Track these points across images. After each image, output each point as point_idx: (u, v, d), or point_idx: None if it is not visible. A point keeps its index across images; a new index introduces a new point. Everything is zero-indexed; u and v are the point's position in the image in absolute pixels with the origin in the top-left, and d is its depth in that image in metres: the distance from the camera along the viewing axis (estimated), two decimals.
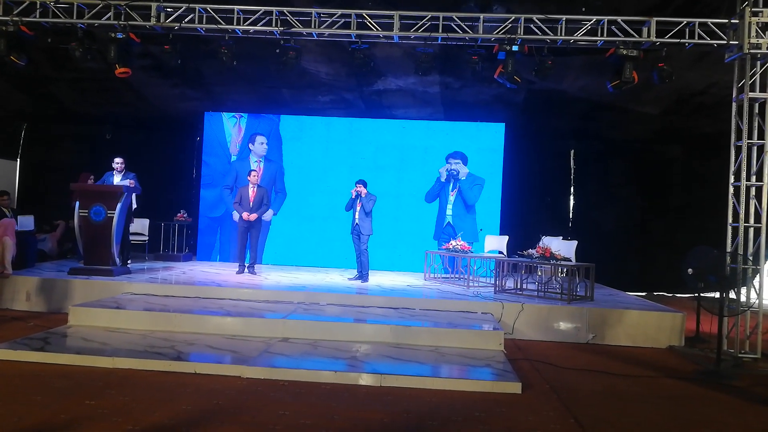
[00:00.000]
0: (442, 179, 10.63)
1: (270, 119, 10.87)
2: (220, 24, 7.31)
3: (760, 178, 6.47)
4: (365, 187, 8.50)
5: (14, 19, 7.11)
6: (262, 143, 10.80)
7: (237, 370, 4.91)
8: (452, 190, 10.66)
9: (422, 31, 7.23)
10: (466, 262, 8.85)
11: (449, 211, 10.69)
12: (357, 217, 8.47)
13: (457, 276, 9.27)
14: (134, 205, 9.39)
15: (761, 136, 6.50)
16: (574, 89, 9.45)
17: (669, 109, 9.94)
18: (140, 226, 10.23)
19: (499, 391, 4.75)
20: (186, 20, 7.30)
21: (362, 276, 8.67)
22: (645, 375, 5.51)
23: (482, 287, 8.46)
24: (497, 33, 7.17)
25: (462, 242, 8.88)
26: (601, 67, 7.65)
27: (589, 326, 6.83)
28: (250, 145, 10.82)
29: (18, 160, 12.08)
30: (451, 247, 8.91)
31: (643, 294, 10.54)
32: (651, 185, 11.35)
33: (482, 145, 10.60)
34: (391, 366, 5.19)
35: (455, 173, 10.61)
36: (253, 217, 8.68)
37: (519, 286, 8.03)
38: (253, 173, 8.98)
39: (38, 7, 7.25)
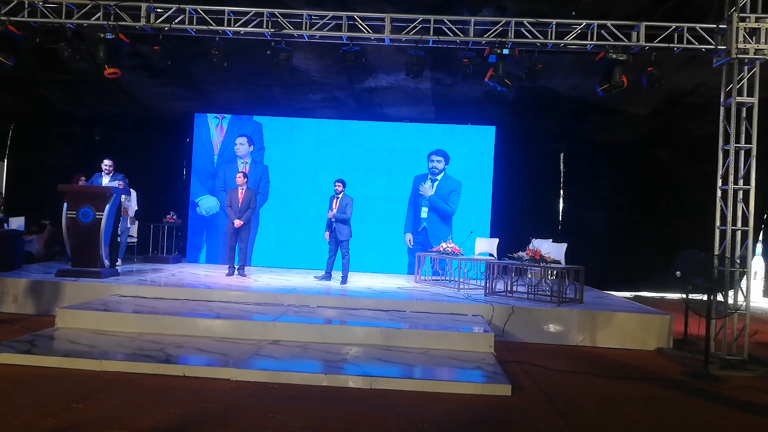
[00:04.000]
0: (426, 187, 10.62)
1: (253, 120, 10.85)
2: (211, 25, 7.29)
3: (747, 181, 6.52)
4: (344, 186, 8.52)
5: (2, 18, 7.05)
6: (240, 144, 10.76)
7: (226, 373, 4.88)
8: (431, 190, 10.64)
9: (413, 34, 7.25)
10: (457, 264, 8.86)
11: (424, 214, 10.69)
12: (334, 217, 8.52)
13: (447, 278, 9.28)
14: (135, 207, 9.40)
15: (748, 140, 6.56)
16: (564, 87, 9.50)
17: (658, 110, 10.02)
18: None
19: (489, 393, 4.75)
20: (176, 21, 7.27)
21: (336, 277, 8.74)
22: (634, 377, 5.54)
23: (472, 290, 8.48)
24: (488, 36, 7.20)
25: (452, 245, 8.89)
26: (590, 65, 7.68)
27: (578, 328, 6.86)
28: (235, 146, 10.81)
29: (5, 161, 11.97)
30: (441, 249, 8.92)
31: (632, 296, 10.62)
32: (640, 187, 11.45)
33: (473, 148, 10.63)
34: (382, 368, 5.18)
35: (436, 171, 10.61)
36: (239, 223, 8.66)
37: (509, 289, 8.05)
38: (239, 175, 8.95)
39: (26, 6, 7.19)
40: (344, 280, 8.67)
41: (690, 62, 8.22)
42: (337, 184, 8.58)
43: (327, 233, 8.70)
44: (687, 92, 9.34)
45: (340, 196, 8.53)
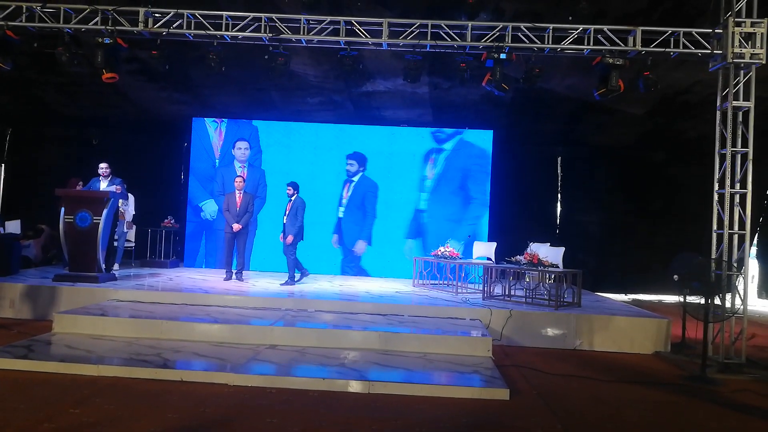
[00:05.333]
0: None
1: (251, 124, 10.85)
2: (209, 30, 7.30)
3: (744, 185, 6.54)
4: (296, 190, 8.55)
5: (0, 23, 7.05)
6: (243, 148, 10.77)
7: (224, 378, 4.87)
8: (346, 192, 10.72)
9: (411, 39, 7.27)
10: (455, 268, 8.86)
11: (341, 214, 10.74)
12: (285, 220, 8.54)
13: (445, 282, 9.28)
14: (133, 211, 9.38)
15: (744, 144, 6.58)
16: (562, 88, 9.50)
17: (654, 110, 10.01)
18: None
19: (487, 397, 4.75)
20: (174, 26, 7.28)
21: (290, 279, 8.73)
22: (631, 381, 5.54)
23: (470, 294, 8.48)
24: (485, 41, 7.22)
25: (450, 249, 8.89)
26: (587, 66, 7.68)
27: (576, 332, 6.86)
28: (233, 150, 10.80)
29: (2, 164, 11.95)
30: (440, 253, 8.92)
31: (630, 299, 10.63)
32: (636, 190, 11.46)
33: (471, 152, 10.64)
34: (380, 373, 5.17)
35: (350, 173, 10.68)
36: (238, 227, 8.65)
37: (507, 293, 8.05)
38: (238, 179, 8.95)
39: (24, 11, 7.19)
40: (291, 281, 8.69)
41: (685, 60, 8.23)
42: (288, 187, 8.59)
43: (281, 235, 8.69)
44: (683, 91, 9.35)
45: (293, 199, 8.54)
